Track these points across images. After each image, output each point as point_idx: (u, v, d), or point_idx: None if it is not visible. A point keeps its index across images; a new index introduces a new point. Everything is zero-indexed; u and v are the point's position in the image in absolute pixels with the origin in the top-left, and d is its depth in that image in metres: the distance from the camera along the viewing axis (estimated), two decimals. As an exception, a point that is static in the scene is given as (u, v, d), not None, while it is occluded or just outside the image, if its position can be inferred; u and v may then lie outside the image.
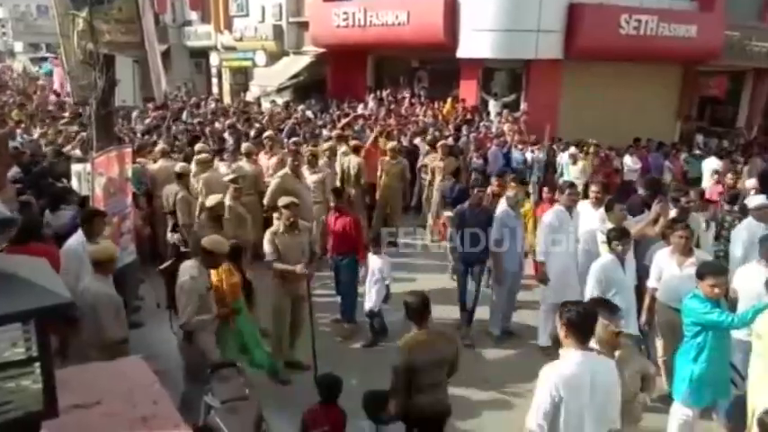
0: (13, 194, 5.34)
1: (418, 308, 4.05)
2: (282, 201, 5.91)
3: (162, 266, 5.90)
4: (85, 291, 4.37)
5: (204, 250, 4.74)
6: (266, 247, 5.71)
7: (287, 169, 7.80)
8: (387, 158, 9.63)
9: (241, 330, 5.24)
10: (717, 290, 4.35)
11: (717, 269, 4.52)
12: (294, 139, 10.50)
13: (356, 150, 9.60)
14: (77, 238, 5.22)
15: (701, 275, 4.43)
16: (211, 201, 6.17)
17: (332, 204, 7.27)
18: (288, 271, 5.60)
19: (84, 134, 9.62)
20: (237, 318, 5.18)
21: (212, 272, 4.93)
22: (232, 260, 5.29)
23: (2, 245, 2.94)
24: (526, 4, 14.22)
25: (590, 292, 5.24)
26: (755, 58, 18.23)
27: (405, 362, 3.89)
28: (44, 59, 37.00)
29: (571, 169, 10.87)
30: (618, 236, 5.30)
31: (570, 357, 3.16)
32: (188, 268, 4.70)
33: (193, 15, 26.31)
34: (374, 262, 6.53)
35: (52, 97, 19.26)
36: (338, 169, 9.44)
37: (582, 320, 3.17)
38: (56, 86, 21.69)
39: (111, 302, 4.39)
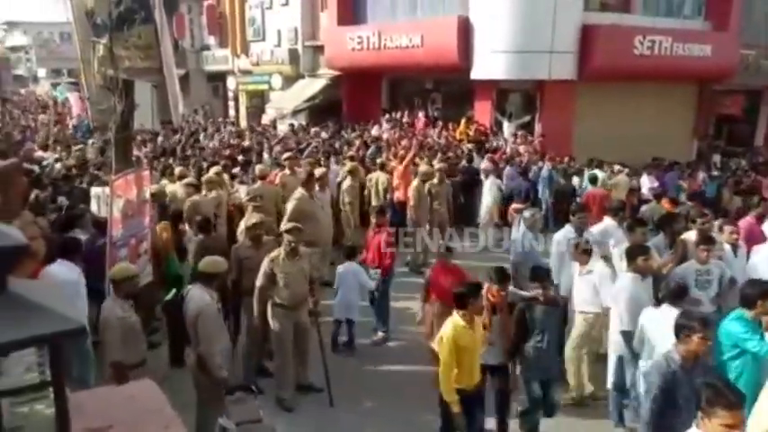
0: (30, 219, 5.36)
1: None
2: (285, 226, 5.81)
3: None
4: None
5: (205, 274, 4.73)
6: (260, 275, 5.44)
7: (302, 191, 7.70)
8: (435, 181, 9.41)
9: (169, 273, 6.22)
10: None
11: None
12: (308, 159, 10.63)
13: (382, 167, 10.07)
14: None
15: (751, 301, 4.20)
16: (252, 219, 6.20)
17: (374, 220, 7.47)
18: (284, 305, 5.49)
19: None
20: (170, 263, 6.38)
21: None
22: (173, 222, 6.79)
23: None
24: (539, 25, 14.28)
25: (624, 307, 4.94)
26: (772, 76, 18.14)
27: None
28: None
29: None
30: (642, 252, 5.23)
31: None
32: (200, 295, 4.63)
33: (211, 40, 26.84)
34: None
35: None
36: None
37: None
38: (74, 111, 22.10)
39: (118, 325, 4.40)
